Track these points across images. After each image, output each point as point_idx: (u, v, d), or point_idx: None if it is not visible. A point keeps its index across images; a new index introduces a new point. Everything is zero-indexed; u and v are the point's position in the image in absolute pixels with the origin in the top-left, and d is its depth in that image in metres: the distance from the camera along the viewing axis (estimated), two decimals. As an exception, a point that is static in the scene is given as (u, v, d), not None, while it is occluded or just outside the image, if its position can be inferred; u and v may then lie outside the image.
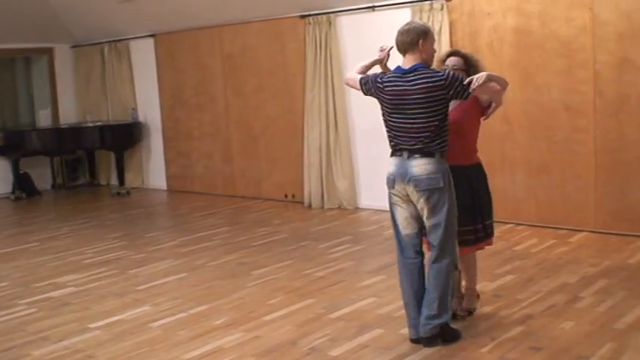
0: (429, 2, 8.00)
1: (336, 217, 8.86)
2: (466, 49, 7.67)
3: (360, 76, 4.85)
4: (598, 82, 7.10)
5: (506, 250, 6.82)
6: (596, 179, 7.26)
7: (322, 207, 9.36)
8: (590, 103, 7.17)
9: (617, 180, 7.14)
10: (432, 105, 4.45)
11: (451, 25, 7.95)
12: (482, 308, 5.22)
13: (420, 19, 7.97)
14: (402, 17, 8.22)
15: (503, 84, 4.68)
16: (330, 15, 9.01)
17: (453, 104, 4.72)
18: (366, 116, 8.88)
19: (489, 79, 4.43)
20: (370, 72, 4.90)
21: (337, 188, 9.30)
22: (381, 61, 5.02)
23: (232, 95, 10.48)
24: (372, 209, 9.04)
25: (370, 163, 9.02)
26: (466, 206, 4.80)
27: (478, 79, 4.38)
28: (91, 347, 4.89)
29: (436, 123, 4.48)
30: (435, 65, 4.78)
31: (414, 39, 4.50)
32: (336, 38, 9.05)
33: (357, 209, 9.20)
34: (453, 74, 4.45)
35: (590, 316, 4.98)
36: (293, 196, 9.92)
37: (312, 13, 9.15)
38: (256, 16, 9.81)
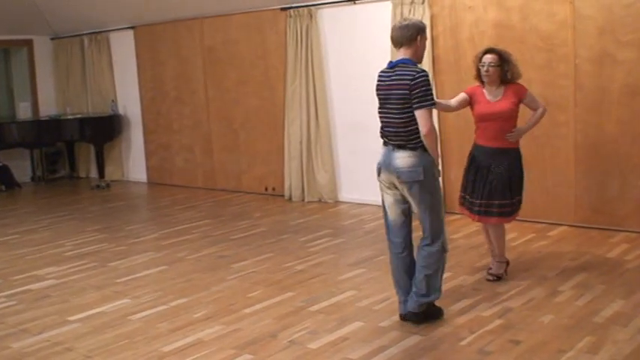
0: (410, -4, 7.99)
1: (317, 210, 8.85)
2: (447, 43, 7.86)
3: None
4: (578, 77, 7.13)
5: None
6: (576, 173, 7.30)
7: (303, 200, 9.36)
8: (571, 98, 7.20)
9: (596, 174, 7.17)
10: (402, 100, 4.59)
11: (432, 18, 7.94)
12: (462, 301, 5.25)
13: (402, 12, 7.96)
14: (383, 10, 8.24)
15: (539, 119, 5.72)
16: (311, 8, 8.98)
17: (494, 98, 5.52)
18: (347, 110, 8.89)
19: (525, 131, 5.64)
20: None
21: (318, 181, 9.29)
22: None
23: (213, 88, 10.44)
24: (352, 203, 9.05)
25: (351, 157, 9.03)
26: (504, 182, 5.52)
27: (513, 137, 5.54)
28: (71, 340, 4.86)
29: (407, 120, 4.60)
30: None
31: (414, 34, 4.65)
32: (317, 31, 9.02)
33: (337, 203, 9.20)
34: (422, 81, 4.53)
35: (569, 309, 5.01)
36: (273, 189, 9.90)
37: (293, 5, 9.11)
38: (237, 8, 9.76)
